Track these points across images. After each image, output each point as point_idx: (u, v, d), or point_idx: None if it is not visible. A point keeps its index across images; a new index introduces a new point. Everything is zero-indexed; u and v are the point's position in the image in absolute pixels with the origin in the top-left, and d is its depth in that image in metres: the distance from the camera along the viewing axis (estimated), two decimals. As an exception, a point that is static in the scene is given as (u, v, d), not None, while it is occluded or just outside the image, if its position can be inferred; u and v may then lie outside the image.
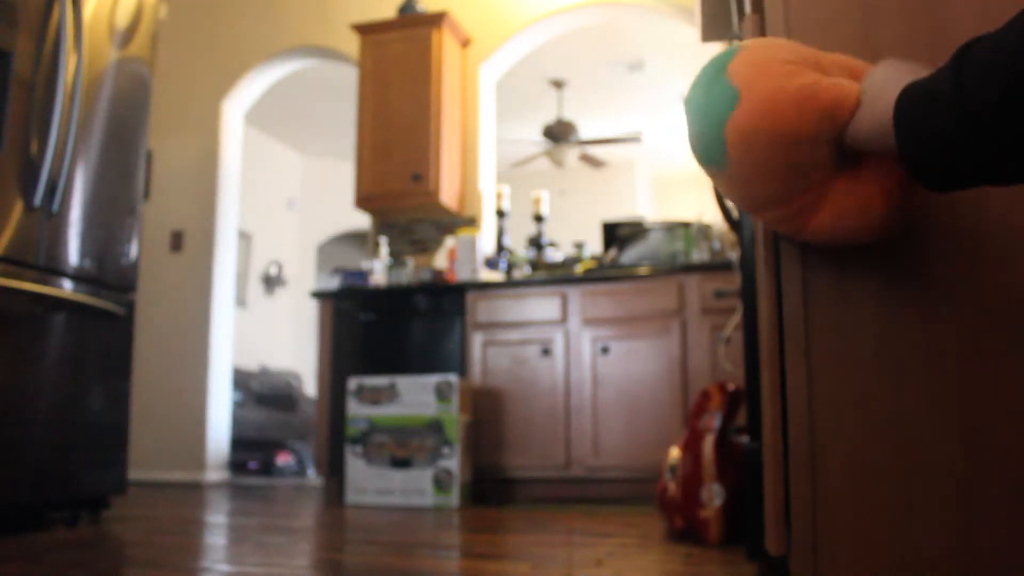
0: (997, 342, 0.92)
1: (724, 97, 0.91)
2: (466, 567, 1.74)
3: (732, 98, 0.90)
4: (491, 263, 4.23)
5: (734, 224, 1.93)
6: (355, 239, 9.65)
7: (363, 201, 4.52)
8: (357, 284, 4.26)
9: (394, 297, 4.12)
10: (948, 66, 0.74)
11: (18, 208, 2.32)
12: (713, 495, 2.11)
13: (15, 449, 2.27)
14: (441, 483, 3.48)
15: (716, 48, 4.47)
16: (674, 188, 9.46)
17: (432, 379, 3.57)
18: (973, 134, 0.71)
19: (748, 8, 1.23)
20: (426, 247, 4.78)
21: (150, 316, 5.05)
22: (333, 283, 8.14)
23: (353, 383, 3.66)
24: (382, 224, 4.85)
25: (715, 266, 3.60)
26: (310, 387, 8.02)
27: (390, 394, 3.60)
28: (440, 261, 4.71)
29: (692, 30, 5.62)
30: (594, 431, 3.69)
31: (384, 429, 3.58)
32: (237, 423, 6.06)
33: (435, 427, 3.52)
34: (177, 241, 5.16)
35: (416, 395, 3.57)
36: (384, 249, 4.46)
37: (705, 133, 0.94)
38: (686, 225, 3.91)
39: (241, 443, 6.22)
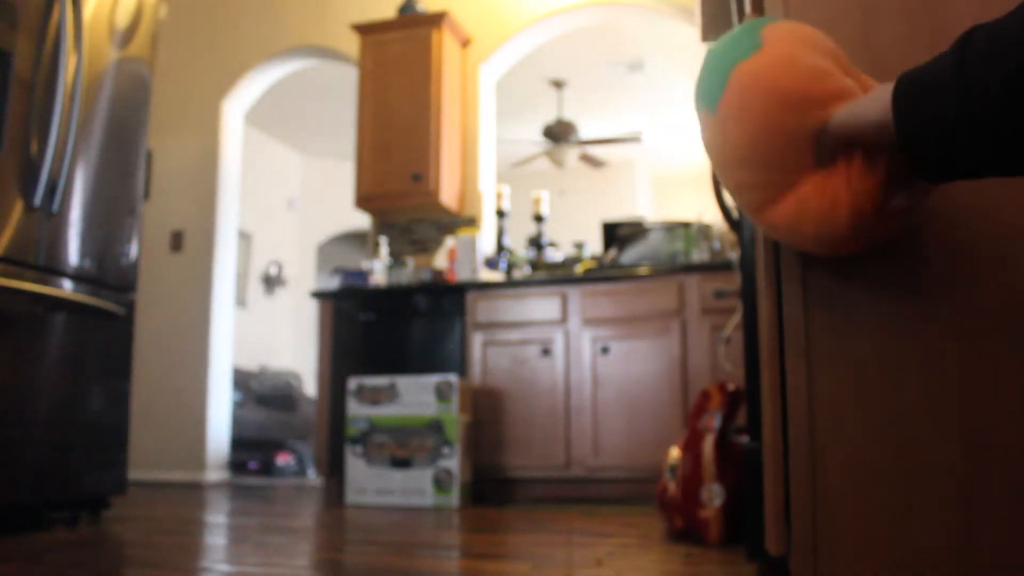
0: (997, 342, 0.92)
1: (747, 46, 0.93)
2: (466, 567, 1.74)
3: (754, 47, 0.92)
4: (491, 263, 4.23)
5: (734, 224, 1.92)
6: (355, 239, 9.65)
7: (363, 201, 4.52)
8: (357, 284, 4.26)
9: (394, 297, 4.12)
10: (951, 51, 0.73)
11: (18, 208, 2.32)
12: (713, 495, 2.11)
13: (15, 449, 2.28)
14: (441, 483, 3.48)
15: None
16: (674, 188, 9.45)
17: (432, 379, 3.57)
18: (973, 122, 0.70)
19: (748, 8, 1.23)
20: (426, 247, 4.78)
21: (150, 316, 5.06)
22: (333, 283, 8.15)
23: (353, 383, 3.66)
24: (382, 224, 4.85)
25: (715, 266, 3.60)
26: (310, 387, 8.02)
27: (390, 394, 3.60)
28: (440, 261, 4.71)
29: (692, 30, 5.63)
30: (594, 431, 3.69)
31: (384, 429, 3.58)
32: (237, 423, 6.06)
33: (435, 427, 3.52)
34: (177, 241, 5.17)
35: (416, 395, 3.57)
36: (384, 249, 4.46)
37: (712, 72, 0.95)
38: (686, 225, 3.91)
39: (241, 443, 6.22)
